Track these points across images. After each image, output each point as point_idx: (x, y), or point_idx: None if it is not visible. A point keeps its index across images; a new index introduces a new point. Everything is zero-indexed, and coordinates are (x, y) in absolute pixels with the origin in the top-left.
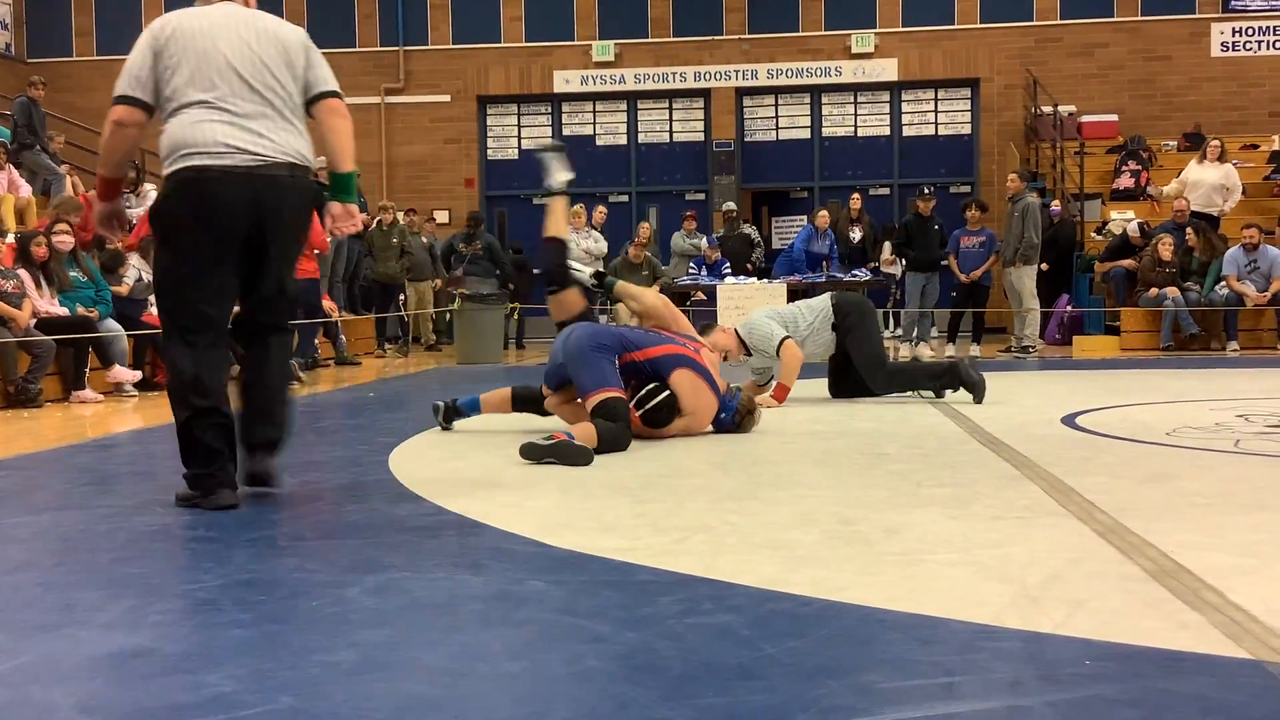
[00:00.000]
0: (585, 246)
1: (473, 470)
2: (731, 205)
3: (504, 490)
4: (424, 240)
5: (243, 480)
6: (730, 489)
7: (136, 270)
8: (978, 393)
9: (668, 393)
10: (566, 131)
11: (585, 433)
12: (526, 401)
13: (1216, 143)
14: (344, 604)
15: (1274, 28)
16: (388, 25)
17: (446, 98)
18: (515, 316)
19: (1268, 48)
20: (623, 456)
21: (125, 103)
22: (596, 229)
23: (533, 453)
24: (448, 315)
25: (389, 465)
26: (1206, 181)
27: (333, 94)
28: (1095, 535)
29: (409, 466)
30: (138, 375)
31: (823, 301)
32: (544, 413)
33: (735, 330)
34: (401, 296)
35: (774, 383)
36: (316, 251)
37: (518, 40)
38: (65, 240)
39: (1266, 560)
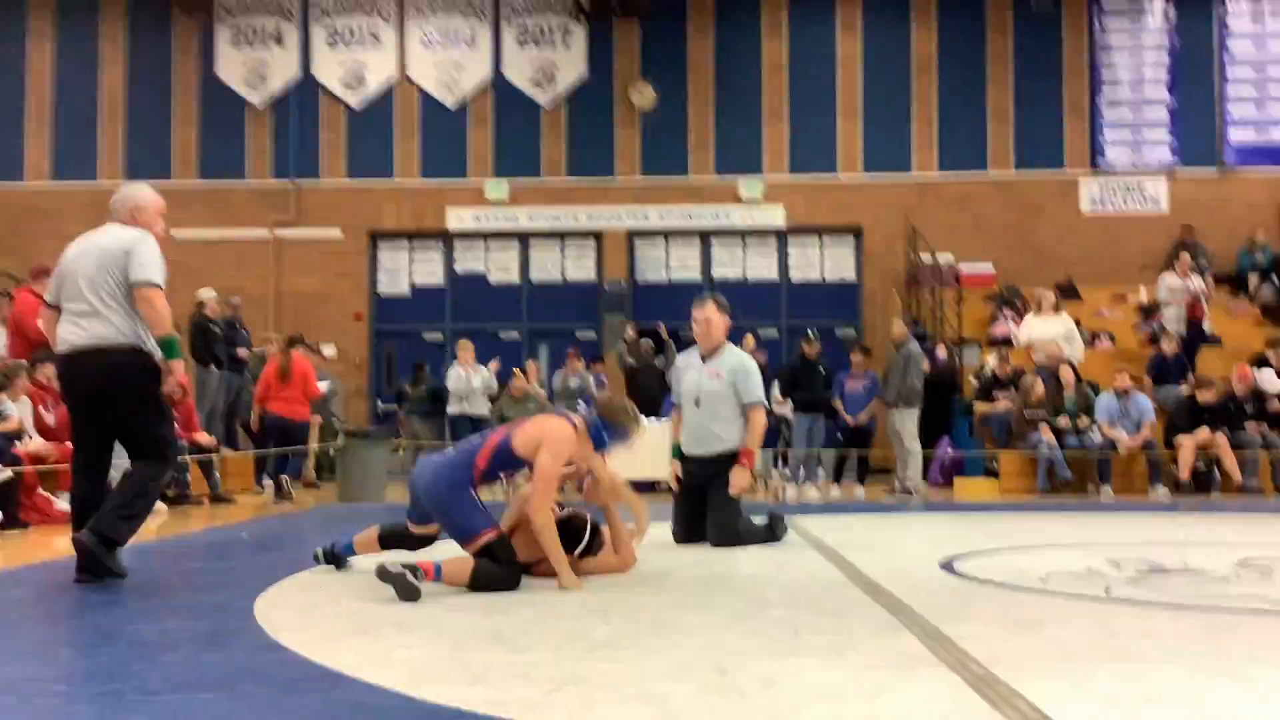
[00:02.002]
0: (475, 384)
1: (343, 617)
2: (645, 341)
3: (373, 639)
4: None
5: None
6: (606, 636)
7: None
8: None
9: (596, 536)
10: (459, 267)
11: (458, 568)
12: (392, 539)
13: (1051, 295)
14: None
15: (1140, 184)
16: (280, 160)
17: (338, 232)
18: (401, 452)
19: (1134, 204)
20: (499, 601)
21: (42, 302)
22: (484, 367)
23: (381, 574)
24: (330, 450)
25: (254, 611)
26: (1049, 334)
27: (138, 284)
28: (967, 686)
29: (276, 612)
30: None
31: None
32: (413, 547)
33: (726, 340)
34: None
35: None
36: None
37: (411, 177)
38: None
39: (1132, 713)
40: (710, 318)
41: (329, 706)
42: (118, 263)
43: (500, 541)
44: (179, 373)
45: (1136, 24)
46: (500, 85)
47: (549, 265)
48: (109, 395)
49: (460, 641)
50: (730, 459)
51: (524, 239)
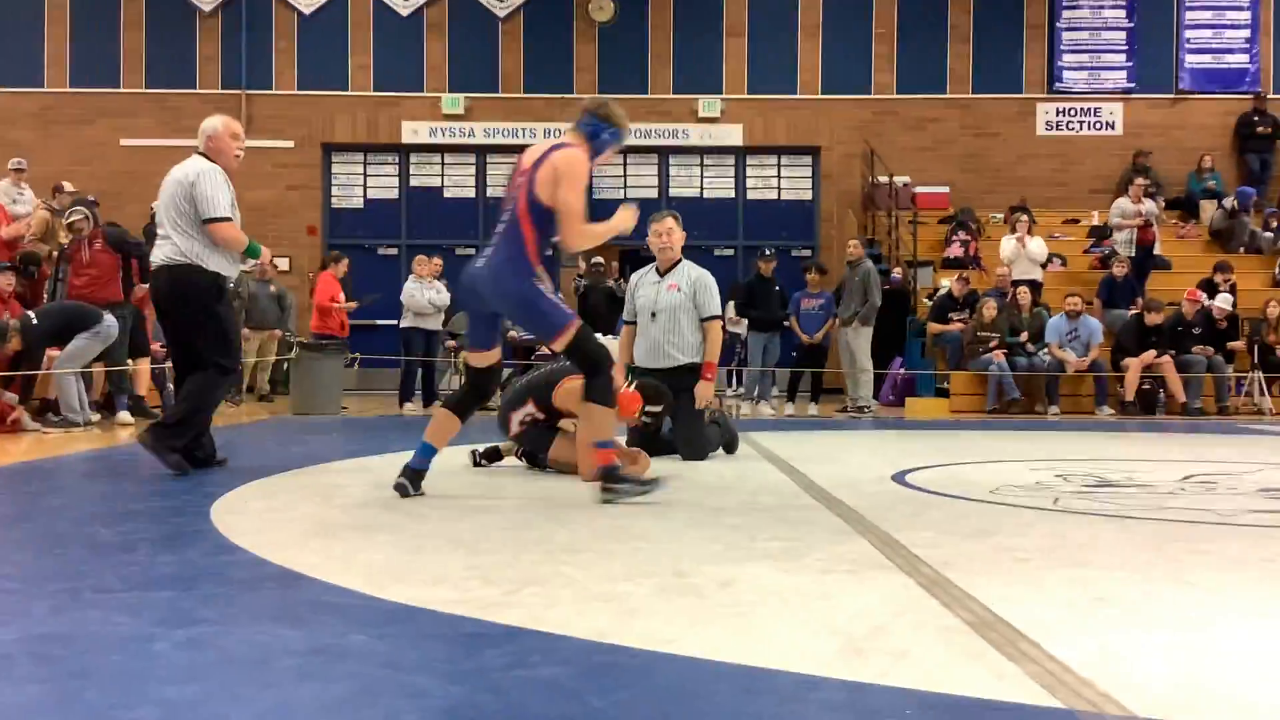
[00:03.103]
0: (428, 297)
1: (300, 521)
2: (599, 260)
3: (332, 542)
4: (272, 289)
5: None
6: (566, 541)
7: None
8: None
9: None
10: (414, 182)
11: (598, 420)
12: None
13: (1025, 217)
14: (150, 659)
15: (1095, 109)
16: (230, 68)
17: (290, 144)
18: (356, 366)
19: (1089, 128)
20: (459, 508)
21: None
22: (440, 280)
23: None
24: (285, 365)
25: (210, 515)
26: (1038, 250)
27: (205, 221)
28: (920, 589)
29: (232, 518)
30: None
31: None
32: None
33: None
34: None
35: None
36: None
37: (365, 89)
38: None
39: (1081, 614)
40: (672, 229)
41: (288, 605)
42: (183, 193)
43: (585, 331)
44: (266, 256)
45: None
46: None
47: (505, 180)
48: (173, 307)
49: (421, 545)
50: (687, 371)
51: (480, 153)
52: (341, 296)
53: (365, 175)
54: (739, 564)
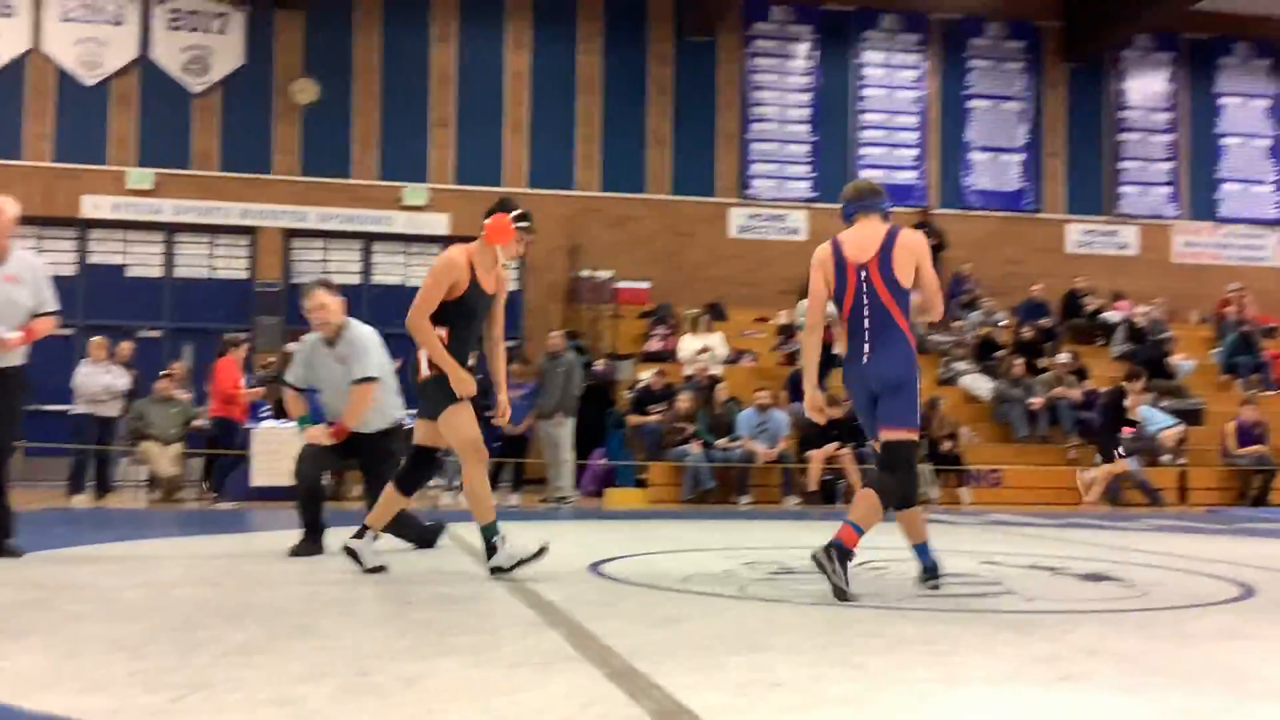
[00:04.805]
0: (104, 382)
1: None
2: (293, 346)
3: None
4: None
5: None
6: (240, 642)
7: None
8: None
9: None
10: (93, 259)
11: (866, 514)
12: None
13: (706, 316)
14: None
15: (782, 215)
16: None
17: None
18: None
19: (777, 233)
20: (122, 609)
21: None
22: (120, 365)
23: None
24: None
25: None
26: (706, 349)
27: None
28: (607, 679)
29: None
30: None
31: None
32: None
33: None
34: None
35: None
36: None
37: (42, 159)
38: None
39: (757, 698)
40: (325, 303)
41: None
42: None
43: (916, 444)
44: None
45: (783, 65)
46: (148, 69)
47: (196, 261)
48: None
49: (77, 649)
50: (381, 436)
51: (169, 231)
52: (243, 382)
53: (40, 250)
54: (426, 660)
